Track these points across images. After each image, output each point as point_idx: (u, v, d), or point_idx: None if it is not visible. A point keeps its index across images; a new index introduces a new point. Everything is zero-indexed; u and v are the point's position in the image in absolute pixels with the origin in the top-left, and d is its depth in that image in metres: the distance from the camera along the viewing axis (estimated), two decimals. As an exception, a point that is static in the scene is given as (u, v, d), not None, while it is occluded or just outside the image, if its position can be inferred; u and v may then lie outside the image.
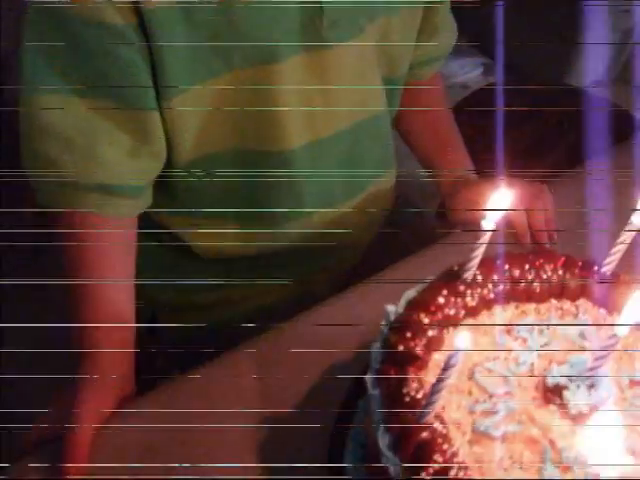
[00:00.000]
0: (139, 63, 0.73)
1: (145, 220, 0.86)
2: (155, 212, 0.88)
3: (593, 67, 2.62)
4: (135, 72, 0.74)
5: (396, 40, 0.91)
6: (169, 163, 0.83)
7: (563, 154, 1.32)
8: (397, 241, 1.03)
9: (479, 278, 0.63)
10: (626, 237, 0.65)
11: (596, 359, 0.55)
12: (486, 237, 0.60)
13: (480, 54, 2.77)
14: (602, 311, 0.67)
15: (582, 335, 0.63)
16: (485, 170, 1.06)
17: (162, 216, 0.90)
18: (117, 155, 0.76)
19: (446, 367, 0.49)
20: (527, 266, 0.65)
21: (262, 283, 0.94)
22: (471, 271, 0.62)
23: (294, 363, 0.75)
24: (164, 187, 0.86)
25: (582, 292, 0.67)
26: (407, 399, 0.55)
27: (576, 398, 0.56)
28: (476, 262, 0.61)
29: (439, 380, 0.50)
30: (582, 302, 0.67)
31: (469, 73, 2.71)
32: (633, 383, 0.60)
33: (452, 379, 0.52)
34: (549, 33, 2.60)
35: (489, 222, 0.59)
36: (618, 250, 0.66)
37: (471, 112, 1.39)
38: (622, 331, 0.52)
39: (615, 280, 0.66)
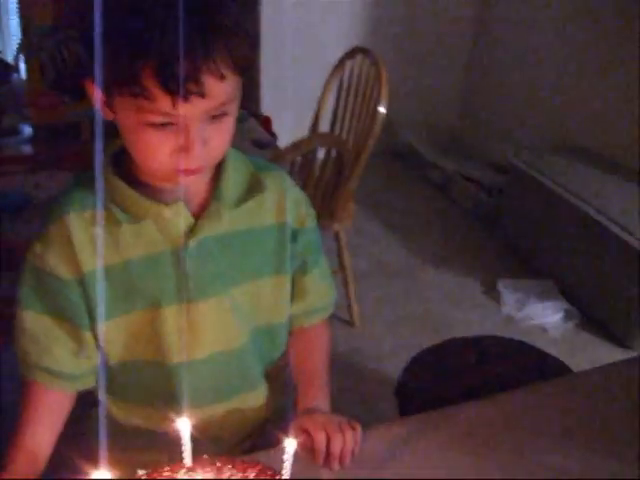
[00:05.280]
0: (79, 302, 1.19)
1: None
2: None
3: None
4: (77, 306, 1.19)
5: (266, 299, 1.29)
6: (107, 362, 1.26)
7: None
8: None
9: None
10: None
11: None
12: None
13: (564, 299, 3.01)
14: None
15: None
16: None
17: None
18: (65, 353, 1.21)
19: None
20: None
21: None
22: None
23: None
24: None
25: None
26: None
27: None
28: None
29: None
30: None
31: (549, 317, 2.94)
32: None
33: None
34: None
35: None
36: (287, 462, 0.95)
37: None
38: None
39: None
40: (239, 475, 0.96)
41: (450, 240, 3.65)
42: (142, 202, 1.15)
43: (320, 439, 1.17)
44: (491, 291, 3.17)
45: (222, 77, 1.01)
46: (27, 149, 2.43)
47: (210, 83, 1.00)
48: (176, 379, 1.24)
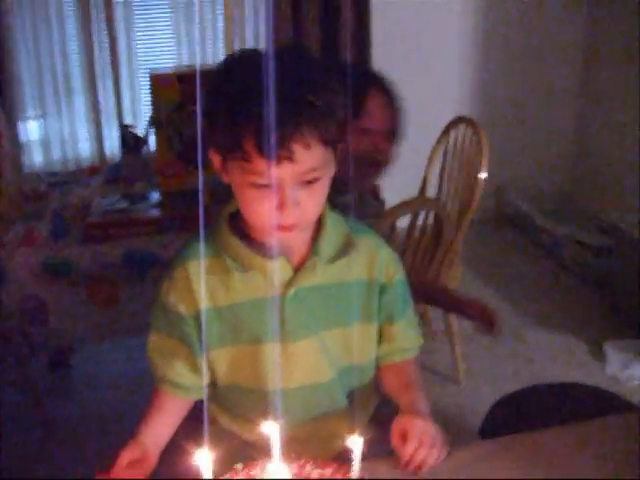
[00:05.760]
0: (194, 334, 1.45)
1: None
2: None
3: None
4: (192, 337, 1.45)
5: (353, 344, 1.49)
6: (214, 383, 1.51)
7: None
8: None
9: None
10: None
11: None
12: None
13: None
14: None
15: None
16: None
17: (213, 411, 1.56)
18: (184, 370, 1.46)
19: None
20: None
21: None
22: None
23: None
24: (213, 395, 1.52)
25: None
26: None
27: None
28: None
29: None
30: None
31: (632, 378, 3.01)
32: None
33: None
34: None
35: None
36: (355, 459, 1.14)
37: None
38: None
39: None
40: (318, 470, 1.16)
41: (558, 301, 3.75)
42: (250, 255, 1.39)
43: (411, 447, 1.35)
44: (597, 351, 3.26)
45: (308, 146, 1.25)
46: (155, 213, 2.72)
47: (298, 151, 1.24)
48: (270, 403, 1.45)
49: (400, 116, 2.11)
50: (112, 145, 4.25)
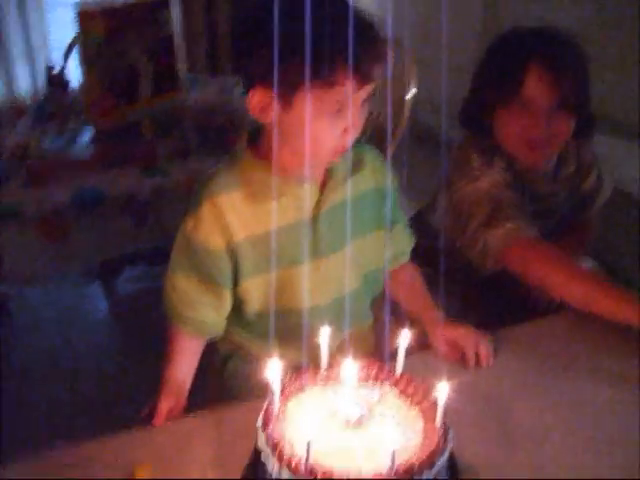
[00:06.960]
0: (225, 267, 1.52)
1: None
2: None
3: None
4: (222, 270, 1.52)
5: (372, 249, 1.65)
6: (243, 313, 1.61)
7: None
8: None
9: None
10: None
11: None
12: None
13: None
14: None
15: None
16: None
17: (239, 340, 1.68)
18: (209, 310, 1.56)
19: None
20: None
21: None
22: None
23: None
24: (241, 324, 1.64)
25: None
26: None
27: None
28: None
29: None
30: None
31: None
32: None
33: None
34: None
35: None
36: (400, 356, 1.25)
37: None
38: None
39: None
40: (364, 370, 1.26)
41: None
42: (282, 184, 1.47)
43: (471, 349, 1.56)
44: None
45: (385, 62, 1.34)
46: (94, 150, 2.71)
47: (379, 69, 1.34)
48: (304, 321, 1.55)
49: None
50: (20, 86, 4.15)
